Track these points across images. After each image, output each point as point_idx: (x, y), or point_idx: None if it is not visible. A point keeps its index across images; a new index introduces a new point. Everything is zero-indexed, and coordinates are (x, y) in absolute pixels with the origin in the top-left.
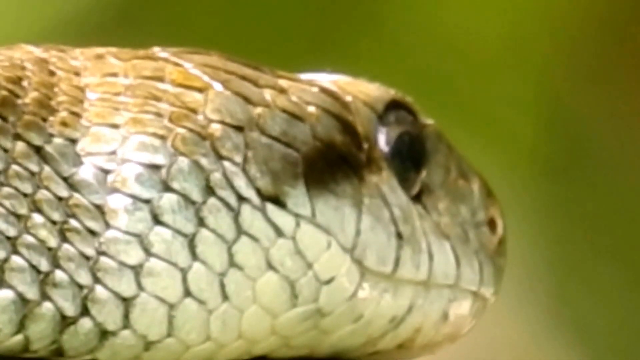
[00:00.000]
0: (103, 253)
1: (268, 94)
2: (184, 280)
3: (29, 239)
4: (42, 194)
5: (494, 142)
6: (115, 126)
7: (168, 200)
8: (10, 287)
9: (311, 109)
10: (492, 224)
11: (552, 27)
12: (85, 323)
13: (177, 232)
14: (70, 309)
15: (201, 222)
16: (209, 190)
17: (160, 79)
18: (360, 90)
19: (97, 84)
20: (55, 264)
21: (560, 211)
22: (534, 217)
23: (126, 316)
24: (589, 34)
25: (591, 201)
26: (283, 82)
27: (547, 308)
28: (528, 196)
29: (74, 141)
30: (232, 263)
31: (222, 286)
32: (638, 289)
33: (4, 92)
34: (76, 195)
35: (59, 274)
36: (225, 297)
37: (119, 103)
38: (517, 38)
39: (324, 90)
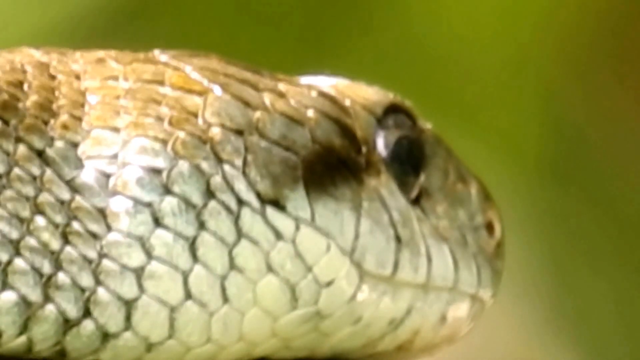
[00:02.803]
0: (105, 256)
1: (267, 98)
2: (185, 282)
3: (32, 241)
4: (44, 197)
5: (497, 147)
6: (115, 129)
7: (169, 204)
8: (13, 289)
9: (310, 112)
10: (490, 227)
11: (557, 33)
12: (88, 325)
13: (178, 235)
14: (72, 311)
15: (202, 225)
16: (210, 194)
17: (160, 83)
18: (359, 94)
19: (98, 88)
20: (58, 267)
21: (562, 215)
22: (536, 221)
23: (128, 318)
24: (594, 40)
25: (592, 204)
26: (282, 86)
27: (545, 311)
28: (530, 200)
29: (75, 144)
30: (232, 266)
31: (223, 289)
32: (638, 293)
33: (5, 96)
34: (78, 198)
35: (61, 277)
36: (226, 299)
37: (119, 106)
38: (521, 44)
39: (323, 94)
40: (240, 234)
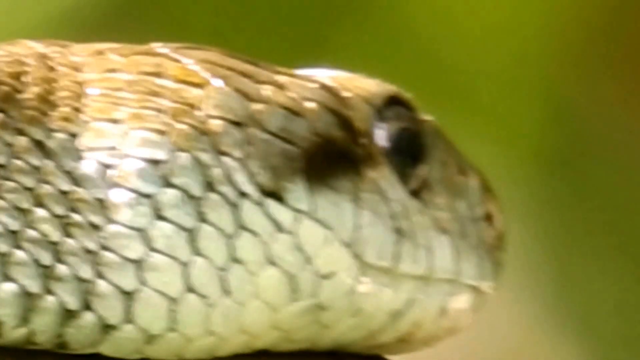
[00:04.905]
0: (105, 247)
1: (267, 90)
2: (186, 274)
3: (32, 233)
4: (45, 188)
5: (497, 139)
6: (115, 121)
7: (169, 196)
8: (13, 280)
9: (310, 105)
10: (490, 218)
11: (558, 22)
12: (88, 317)
13: (179, 227)
14: (73, 303)
15: (202, 217)
16: (209, 186)
17: (160, 75)
18: (359, 86)
19: (98, 80)
20: (58, 258)
21: (563, 206)
22: (537, 212)
23: (128, 310)
24: (595, 33)
25: (593, 196)
26: (282, 78)
27: (547, 302)
28: (531, 191)
29: (75, 136)
30: (233, 258)
31: (224, 281)
32: (639, 283)
33: (6, 88)
34: (78, 189)
35: (61, 268)
36: (226, 291)
37: (119, 99)
38: (522, 36)
39: (322, 86)
40: (240, 226)
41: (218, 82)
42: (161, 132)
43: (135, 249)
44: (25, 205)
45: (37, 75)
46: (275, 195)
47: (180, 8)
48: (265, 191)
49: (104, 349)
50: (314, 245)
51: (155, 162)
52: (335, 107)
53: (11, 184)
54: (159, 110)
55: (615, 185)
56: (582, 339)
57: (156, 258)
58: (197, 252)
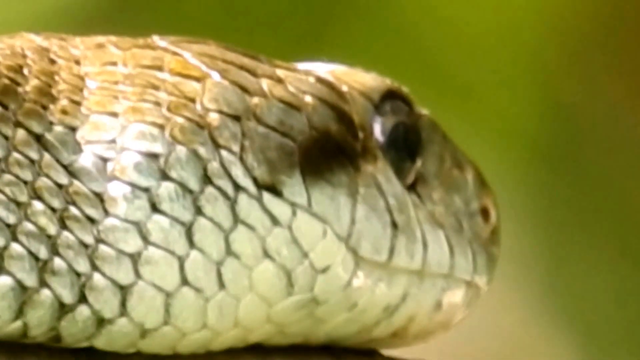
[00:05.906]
0: (102, 241)
1: (265, 84)
2: (181, 268)
3: (29, 226)
4: (42, 182)
5: (493, 133)
6: (114, 115)
7: (166, 189)
8: (9, 274)
9: (308, 98)
10: (485, 213)
11: (554, 17)
12: (83, 310)
13: (175, 220)
14: (68, 297)
15: (199, 211)
16: (207, 179)
17: (159, 68)
18: (357, 80)
19: (97, 73)
20: (54, 252)
21: (559, 201)
22: (532, 207)
23: (123, 304)
24: (592, 25)
25: (590, 192)
26: (280, 72)
27: (541, 297)
28: (528, 187)
29: (73, 129)
30: (229, 252)
31: (219, 275)
32: (632, 278)
33: (5, 81)
34: (76, 182)
35: (57, 262)
36: (222, 285)
37: (118, 92)
38: (518, 29)
39: (320, 80)
40: (236, 219)
41: (216, 76)
42: (159, 126)
43: (131, 243)
44: (22, 198)
45: (37, 68)
46: (272, 189)
47: (179, 1)
48: (262, 185)
49: (98, 343)
50: (310, 239)
51: (152, 156)
52: (333, 101)
53: (9, 177)
54: (157, 104)
55: (612, 182)
56: (577, 334)
57: (152, 252)
58: (193, 245)
